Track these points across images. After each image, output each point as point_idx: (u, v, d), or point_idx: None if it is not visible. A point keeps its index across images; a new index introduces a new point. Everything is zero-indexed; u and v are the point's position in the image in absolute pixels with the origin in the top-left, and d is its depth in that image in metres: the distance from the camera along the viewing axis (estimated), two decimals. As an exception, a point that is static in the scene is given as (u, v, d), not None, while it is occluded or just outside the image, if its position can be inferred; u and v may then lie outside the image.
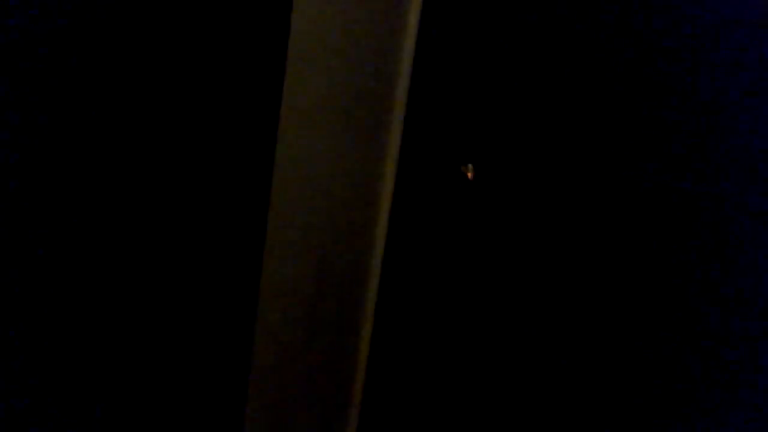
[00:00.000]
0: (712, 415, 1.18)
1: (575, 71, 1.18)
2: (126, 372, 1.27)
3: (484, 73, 1.24)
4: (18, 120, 1.15)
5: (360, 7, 1.23)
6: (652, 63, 1.14)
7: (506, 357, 1.29)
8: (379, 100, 1.29)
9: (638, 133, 1.17)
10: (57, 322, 1.23)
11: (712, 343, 1.17)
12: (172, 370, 1.29)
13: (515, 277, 1.27)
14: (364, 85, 1.27)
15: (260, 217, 1.28)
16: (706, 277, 1.15)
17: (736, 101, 1.10)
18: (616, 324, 1.22)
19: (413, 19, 1.27)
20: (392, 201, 1.35)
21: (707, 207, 1.14)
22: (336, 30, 1.23)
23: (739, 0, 1.08)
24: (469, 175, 1.26)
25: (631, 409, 1.23)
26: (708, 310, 1.17)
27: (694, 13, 1.10)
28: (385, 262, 1.37)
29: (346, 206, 1.32)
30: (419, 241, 1.33)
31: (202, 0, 1.17)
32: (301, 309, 1.34)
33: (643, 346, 1.21)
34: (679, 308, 1.18)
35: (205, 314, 1.29)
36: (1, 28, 1.09)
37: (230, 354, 1.32)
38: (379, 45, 1.26)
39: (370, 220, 1.34)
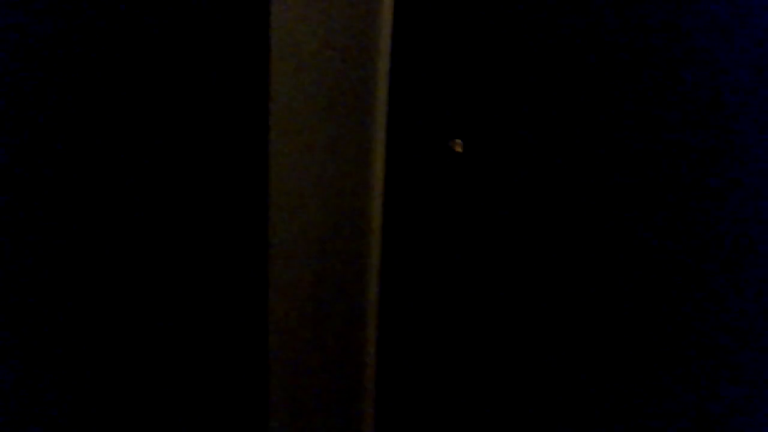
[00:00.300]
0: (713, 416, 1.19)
1: (564, 39, 1.18)
2: (148, 381, 1.29)
3: (468, 44, 1.23)
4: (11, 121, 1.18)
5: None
6: (643, 27, 1.14)
7: (510, 337, 1.29)
8: (361, 80, 1.29)
9: (635, 103, 1.17)
10: (62, 326, 1.26)
11: (712, 343, 1.17)
12: (192, 372, 1.31)
13: (517, 252, 1.26)
14: (345, 68, 1.27)
15: (260, 211, 1.29)
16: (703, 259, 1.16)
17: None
18: (614, 302, 1.23)
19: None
20: (384, 179, 1.35)
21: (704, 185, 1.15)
22: (314, 7, 1.24)
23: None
24: (458, 148, 1.25)
25: (637, 404, 1.24)
26: (705, 307, 1.17)
27: None
28: (384, 244, 1.37)
29: (338, 190, 1.32)
30: (416, 219, 1.32)
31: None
32: (306, 299, 1.35)
33: (651, 335, 1.22)
34: (678, 292, 1.18)
35: (217, 317, 1.31)
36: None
37: (247, 355, 1.34)
38: (356, 21, 1.26)
39: (364, 201, 1.34)
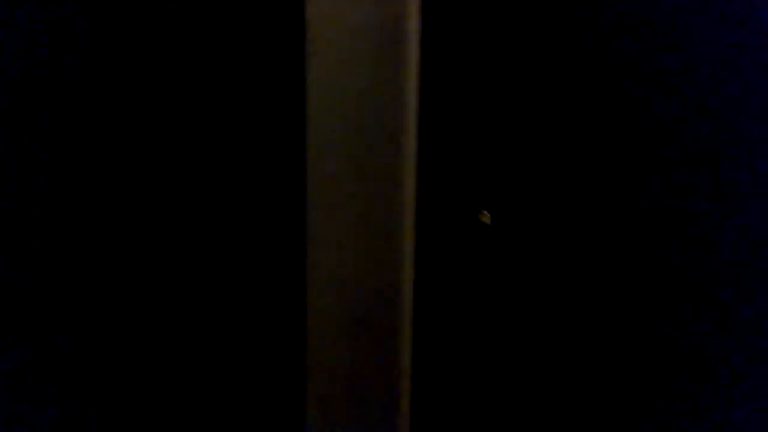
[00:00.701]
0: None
1: (597, 104, 1.19)
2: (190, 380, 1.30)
3: (496, 113, 1.25)
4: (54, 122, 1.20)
5: (363, 58, 1.24)
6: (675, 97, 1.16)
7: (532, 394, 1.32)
8: (390, 150, 1.30)
9: (669, 174, 1.19)
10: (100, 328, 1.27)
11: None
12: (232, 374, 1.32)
13: (546, 319, 1.28)
14: (373, 138, 1.28)
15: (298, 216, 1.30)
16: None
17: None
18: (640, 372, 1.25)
19: (414, 60, 1.27)
20: (415, 253, 1.33)
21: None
22: (343, 83, 1.25)
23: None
24: (486, 220, 1.27)
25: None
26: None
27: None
28: (416, 309, 1.36)
29: (371, 265, 1.32)
30: (447, 290, 1.33)
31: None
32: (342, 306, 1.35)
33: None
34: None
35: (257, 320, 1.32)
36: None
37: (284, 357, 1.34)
38: (382, 95, 1.27)
39: (395, 271, 1.34)
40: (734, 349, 1.20)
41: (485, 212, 1.25)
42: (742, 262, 1.17)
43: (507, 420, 1.32)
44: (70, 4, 1.18)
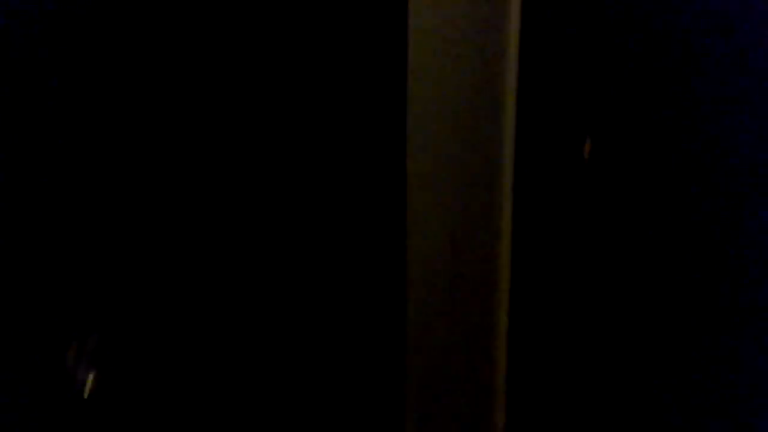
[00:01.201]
0: None
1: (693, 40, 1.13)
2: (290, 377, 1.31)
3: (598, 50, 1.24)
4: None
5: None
6: None
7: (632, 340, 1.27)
8: (491, 83, 1.36)
9: None
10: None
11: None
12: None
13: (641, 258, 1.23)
14: (475, 71, 1.34)
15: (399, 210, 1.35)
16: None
17: None
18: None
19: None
20: (514, 185, 1.39)
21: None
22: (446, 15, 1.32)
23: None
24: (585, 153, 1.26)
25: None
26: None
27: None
28: (514, 249, 1.42)
29: (471, 192, 1.40)
30: (544, 226, 1.36)
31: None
32: (441, 299, 1.43)
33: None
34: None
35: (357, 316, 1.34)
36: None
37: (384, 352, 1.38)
38: (485, 28, 1.33)
39: (495, 201, 1.41)
40: None
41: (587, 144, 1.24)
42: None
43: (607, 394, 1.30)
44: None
